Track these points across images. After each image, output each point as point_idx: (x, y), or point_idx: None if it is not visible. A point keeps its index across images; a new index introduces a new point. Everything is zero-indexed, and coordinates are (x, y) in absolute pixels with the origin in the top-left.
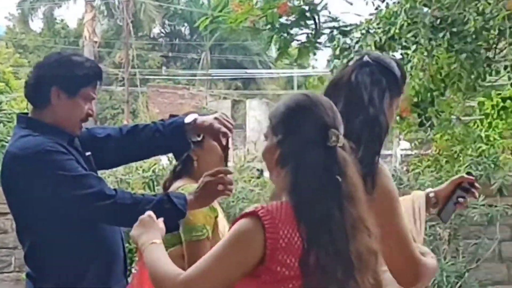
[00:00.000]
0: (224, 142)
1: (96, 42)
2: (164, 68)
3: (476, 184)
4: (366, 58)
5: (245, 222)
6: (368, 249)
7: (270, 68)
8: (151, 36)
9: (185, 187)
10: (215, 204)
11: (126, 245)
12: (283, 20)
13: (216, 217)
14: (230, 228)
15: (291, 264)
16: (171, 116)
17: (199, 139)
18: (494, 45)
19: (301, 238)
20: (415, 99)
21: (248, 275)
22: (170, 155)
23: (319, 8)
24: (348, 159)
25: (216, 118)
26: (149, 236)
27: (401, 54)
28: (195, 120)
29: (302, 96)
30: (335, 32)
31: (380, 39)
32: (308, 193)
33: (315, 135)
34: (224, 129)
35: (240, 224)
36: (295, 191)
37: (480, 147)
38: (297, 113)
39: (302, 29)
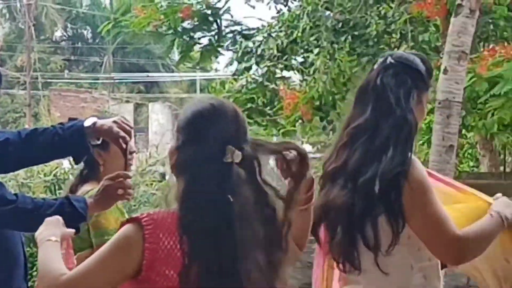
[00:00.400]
0: (123, 146)
1: None
2: (66, 71)
3: None
4: (389, 59)
5: (127, 228)
6: (260, 268)
7: (173, 71)
8: (54, 39)
9: (93, 192)
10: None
11: (27, 249)
12: (185, 24)
13: None
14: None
15: (169, 275)
16: (70, 119)
17: (98, 142)
18: (396, 49)
19: (182, 251)
20: (318, 103)
21: (129, 281)
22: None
23: (221, 12)
24: (245, 176)
25: (115, 122)
26: (47, 233)
27: (303, 57)
28: (94, 123)
29: (208, 105)
30: (237, 35)
31: (282, 43)
32: (197, 208)
33: (212, 149)
34: (122, 133)
35: (123, 230)
36: (184, 202)
37: None
38: (199, 123)
39: (204, 33)
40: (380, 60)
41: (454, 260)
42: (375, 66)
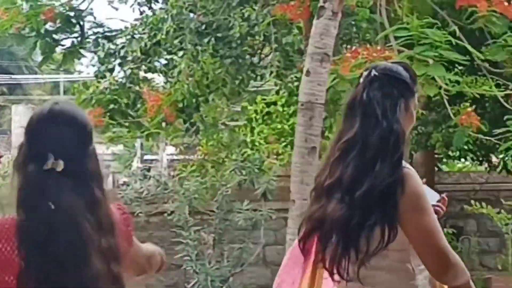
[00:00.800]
0: None
1: None
2: None
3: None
4: (373, 72)
5: None
6: (98, 275)
7: (36, 73)
8: None
9: None
10: None
11: None
12: (48, 26)
13: None
14: None
15: (8, 281)
16: None
17: None
18: (259, 51)
19: (20, 258)
20: (181, 105)
21: None
22: None
23: (84, 14)
24: (66, 185)
25: None
26: None
27: (166, 59)
28: None
29: (44, 111)
30: (100, 37)
31: (146, 45)
32: (25, 215)
33: (36, 155)
34: None
35: None
36: (17, 208)
37: (245, 152)
38: (31, 127)
39: (67, 35)
40: (365, 73)
41: (437, 271)
42: (361, 80)
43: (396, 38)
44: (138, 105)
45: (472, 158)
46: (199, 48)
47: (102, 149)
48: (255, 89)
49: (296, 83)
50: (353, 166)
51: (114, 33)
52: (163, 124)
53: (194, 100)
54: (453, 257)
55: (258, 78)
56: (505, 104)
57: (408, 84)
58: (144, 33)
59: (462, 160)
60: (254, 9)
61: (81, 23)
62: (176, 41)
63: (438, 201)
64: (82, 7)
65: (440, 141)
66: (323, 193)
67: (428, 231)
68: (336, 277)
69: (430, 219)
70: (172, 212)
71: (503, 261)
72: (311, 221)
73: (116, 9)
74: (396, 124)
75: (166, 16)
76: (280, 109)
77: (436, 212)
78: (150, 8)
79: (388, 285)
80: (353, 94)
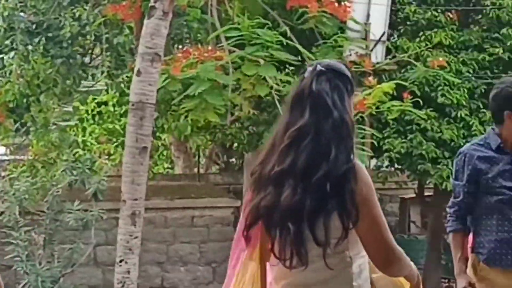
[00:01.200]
0: None
1: None
2: None
3: None
4: (319, 67)
5: None
6: None
7: None
8: None
9: None
10: None
11: None
12: None
13: None
14: None
15: None
16: None
17: None
18: (90, 51)
19: None
20: (11, 105)
21: None
22: None
23: None
24: None
25: None
26: None
27: None
28: None
29: None
30: None
31: None
32: None
33: None
34: None
35: None
36: None
37: (76, 152)
38: None
39: None
40: (310, 68)
41: (382, 264)
42: (306, 75)
43: (227, 38)
44: None
45: None
46: (30, 48)
47: None
48: (86, 89)
49: (127, 83)
50: (307, 153)
51: None
52: None
53: (24, 100)
54: (398, 251)
55: (90, 78)
56: None
57: (350, 80)
58: None
59: None
60: (85, 9)
61: None
62: (7, 41)
63: None
64: None
65: None
66: (270, 182)
67: (376, 225)
68: (295, 263)
69: (379, 213)
70: (2, 212)
71: None
72: (258, 209)
73: None
74: (346, 114)
75: None
76: (112, 109)
77: None
78: None
79: (327, 271)
80: (299, 87)
